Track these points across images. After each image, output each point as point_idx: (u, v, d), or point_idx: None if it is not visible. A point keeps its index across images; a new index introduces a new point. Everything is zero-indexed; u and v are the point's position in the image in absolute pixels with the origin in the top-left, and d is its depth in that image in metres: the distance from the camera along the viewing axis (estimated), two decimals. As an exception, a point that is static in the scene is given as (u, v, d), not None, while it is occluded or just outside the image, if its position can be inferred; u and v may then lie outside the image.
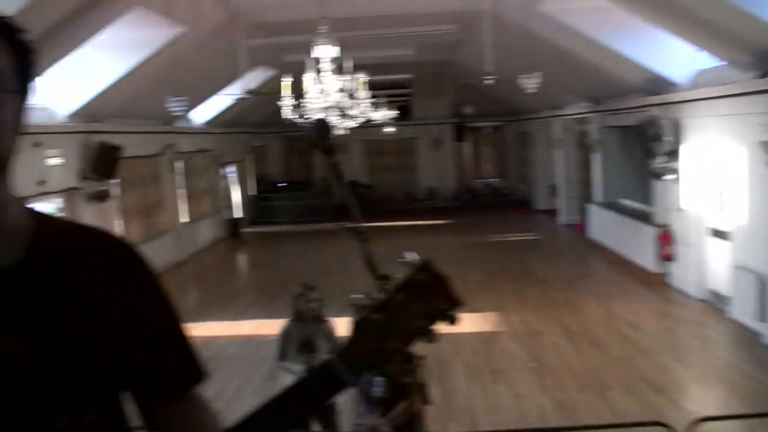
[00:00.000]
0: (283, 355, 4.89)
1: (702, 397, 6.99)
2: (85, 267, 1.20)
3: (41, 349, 1.10)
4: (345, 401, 4.63)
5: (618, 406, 6.47)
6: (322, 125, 1.54)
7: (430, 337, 1.21)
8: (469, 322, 9.48)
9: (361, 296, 1.24)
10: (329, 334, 4.95)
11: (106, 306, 1.19)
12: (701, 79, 9.91)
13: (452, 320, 1.21)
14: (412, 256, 1.24)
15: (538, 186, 21.71)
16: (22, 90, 1.13)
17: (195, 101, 13.69)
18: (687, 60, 9.97)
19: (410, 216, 21.03)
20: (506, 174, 25.24)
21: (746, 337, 8.37)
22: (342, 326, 4.84)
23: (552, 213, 19.30)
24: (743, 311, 8.68)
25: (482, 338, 8.75)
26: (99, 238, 1.27)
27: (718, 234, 9.71)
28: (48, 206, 10.43)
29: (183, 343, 1.32)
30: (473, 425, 6.20)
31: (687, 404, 6.57)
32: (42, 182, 9.47)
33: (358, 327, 1.18)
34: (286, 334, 4.97)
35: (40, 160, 9.56)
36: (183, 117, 13.91)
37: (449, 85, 22.88)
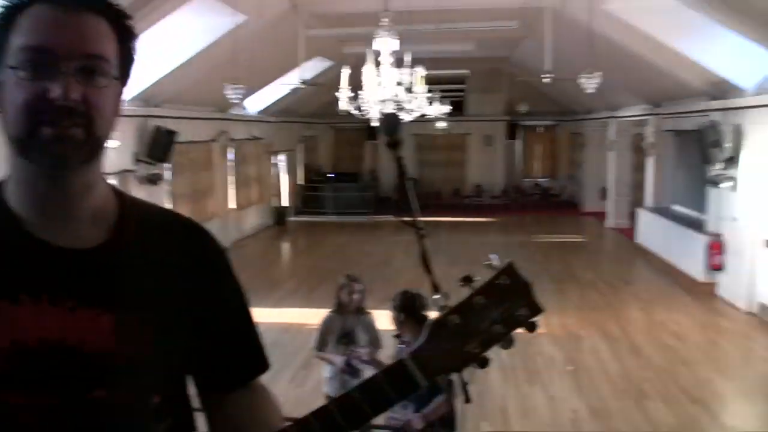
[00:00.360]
0: (321, 345, 4.93)
1: (742, 413, 6.82)
2: (166, 249, 1.24)
3: (124, 327, 1.14)
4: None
5: (654, 416, 6.37)
6: (393, 119, 1.54)
7: (508, 342, 1.20)
8: (508, 322, 9.45)
9: (439, 297, 1.24)
10: (369, 327, 4.97)
11: (183, 288, 1.23)
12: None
13: (532, 327, 1.20)
14: (495, 259, 1.24)
15: (588, 188, 21.39)
16: (123, 76, 1.18)
17: (252, 89, 13.86)
18: (755, 64, 9.63)
19: (456, 212, 20.93)
20: (556, 174, 24.90)
21: (794, 353, 8.15)
22: (382, 319, 4.89)
23: (600, 216, 18.98)
24: (793, 327, 8.44)
25: (520, 339, 8.62)
26: (179, 221, 1.32)
27: (773, 246, 9.44)
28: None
29: (251, 332, 1.35)
30: (505, 425, 6.18)
31: (726, 418, 6.43)
32: (99, 163, 9.73)
33: (435, 328, 1.17)
34: (326, 324, 4.98)
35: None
36: (238, 105, 14.11)
37: (505, 82, 22.65)
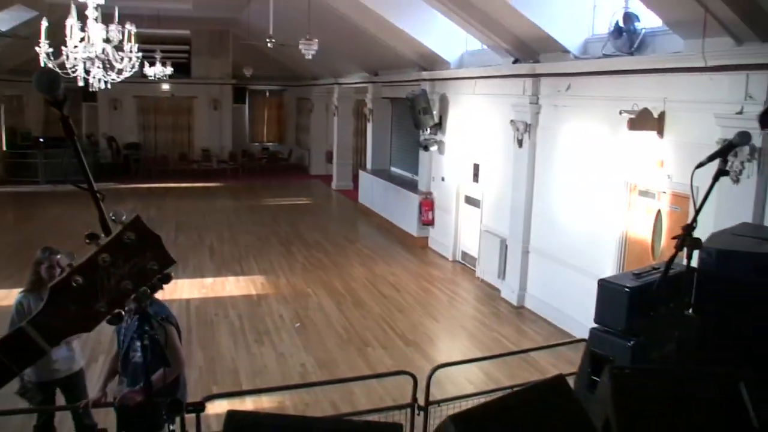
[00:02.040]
0: None
1: (447, 347, 7.68)
2: None
3: None
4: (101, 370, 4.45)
5: (375, 361, 6.91)
6: (50, 76, 1.40)
7: (143, 297, 1.19)
8: (236, 285, 9.51)
9: (63, 255, 1.20)
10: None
11: None
12: (467, 59, 10.72)
13: (166, 279, 1.20)
14: (121, 214, 1.21)
15: (315, 152, 22.09)
16: None
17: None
18: (457, 41, 10.71)
19: (184, 178, 20.37)
20: (284, 139, 25.31)
21: (488, 293, 9.34)
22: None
23: (327, 179, 19.76)
24: (487, 270, 9.68)
25: (249, 301, 8.80)
26: None
27: (471, 202, 10.65)
28: None
29: None
30: (236, 386, 6.24)
31: (435, 355, 7.18)
32: None
33: (54, 291, 1.13)
34: (20, 306, 4.46)
35: None
36: None
37: (231, 46, 22.28)
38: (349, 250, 11.98)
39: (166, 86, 19.95)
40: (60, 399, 4.73)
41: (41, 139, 19.84)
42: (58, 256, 4.43)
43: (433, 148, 11.83)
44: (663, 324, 3.35)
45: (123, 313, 1.20)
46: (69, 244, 4.79)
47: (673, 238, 2.82)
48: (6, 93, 20.06)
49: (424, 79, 11.97)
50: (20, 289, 4.55)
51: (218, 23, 20.20)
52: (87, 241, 1.19)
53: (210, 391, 6.01)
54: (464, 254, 10.94)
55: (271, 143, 25.14)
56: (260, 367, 6.76)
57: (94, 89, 9.24)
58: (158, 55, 16.68)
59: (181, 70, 20.69)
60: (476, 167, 10.39)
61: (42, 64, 8.68)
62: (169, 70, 16.94)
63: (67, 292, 1.13)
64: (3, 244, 12.51)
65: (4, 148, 19.86)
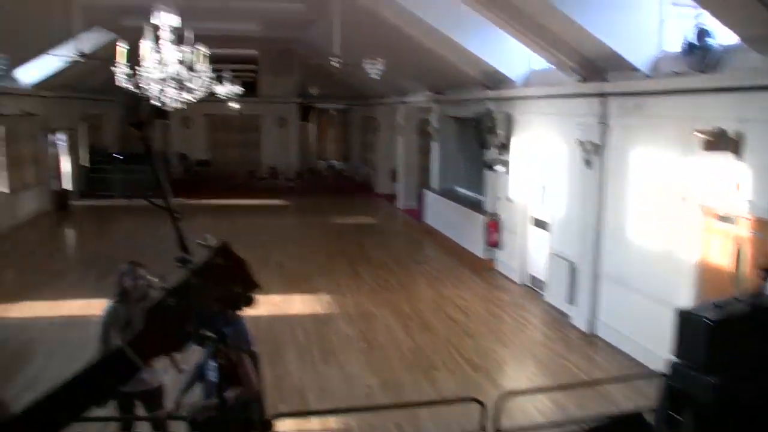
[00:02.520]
0: (107, 338, 4.68)
1: (515, 374, 7.56)
2: None
3: None
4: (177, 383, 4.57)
5: (442, 385, 6.85)
6: (133, 98, 1.48)
7: (228, 320, 1.24)
8: (303, 304, 9.60)
9: (156, 279, 1.24)
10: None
11: None
12: (533, 78, 10.62)
13: (250, 303, 1.23)
14: (210, 239, 1.24)
15: (379, 170, 22.20)
16: None
17: (19, 59, 12.60)
18: (522, 60, 10.63)
19: (251, 194, 20.75)
20: (349, 157, 25.56)
21: (557, 318, 9.15)
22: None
23: (392, 198, 19.81)
24: (556, 295, 9.48)
25: (316, 319, 8.87)
26: None
27: (540, 224, 10.48)
28: None
29: None
30: (303, 406, 6.29)
31: (502, 381, 7.07)
32: None
33: (151, 313, 1.17)
34: (109, 315, 4.76)
35: None
36: (5, 76, 12.73)
37: (297, 65, 22.70)
38: (415, 271, 11.96)
39: (234, 104, 20.43)
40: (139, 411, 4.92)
41: (119, 156, 20.62)
42: (141, 271, 4.76)
43: (499, 168, 11.72)
44: (751, 360, 3.20)
45: (210, 334, 1.23)
46: (144, 256, 5.00)
47: (761, 268, 2.71)
48: (89, 112, 20.97)
49: (489, 98, 11.91)
50: (106, 299, 4.80)
51: (284, 42, 20.60)
52: (178, 264, 1.23)
53: (277, 409, 6.07)
54: (532, 277, 10.74)
55: (336, 161, 25.42)
56: (326, 386, 6.79)
57: (167, 108, 9.52)
58: (228, 75, 17.10)
59: (248, 88, 21.16)
60: (543, 188, 10.23)
61: (119, 85, 9.04)
62: (238, 88, 17.34)
63: (161, 313, 1.18)
64: (84, 254, 13.03)
65: (87, 164, 20.75)
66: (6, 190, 14.77)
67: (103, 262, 11.90)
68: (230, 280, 1.18)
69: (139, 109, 1.43)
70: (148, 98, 8.54)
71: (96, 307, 8.68)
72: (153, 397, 4.85)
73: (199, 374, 4.25)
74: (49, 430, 1.09)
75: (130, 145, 22.64)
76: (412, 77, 15.99)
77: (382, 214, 18.71)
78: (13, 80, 14.39)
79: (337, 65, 11.88)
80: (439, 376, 7.12)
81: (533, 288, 10.58)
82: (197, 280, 1.16)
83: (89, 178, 20.58)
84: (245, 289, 1.20)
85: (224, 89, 17.22)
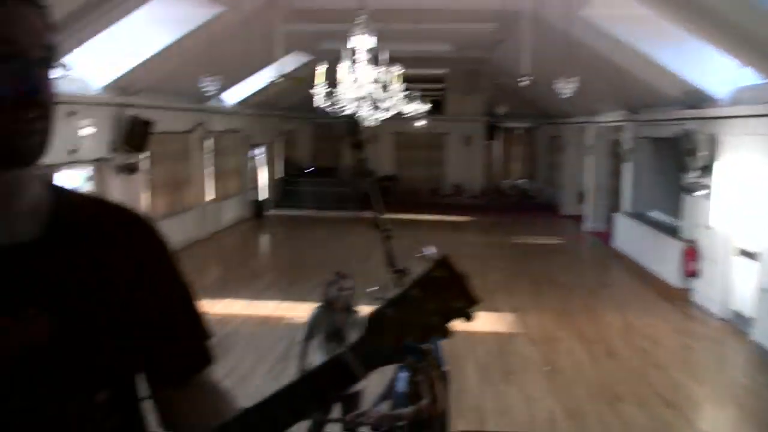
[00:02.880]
0: (309, 337, 4.94)
1: (713, 417, 6.91)
2: (102, 242, 1.18)
3: (58, 325, 1.09)
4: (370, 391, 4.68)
5: (628, 419, 6.42)
6: (353, 122, 1.57)
7: (445, 334, 1.21)
8: (485, 322, 9.47)
9: (376, 288, 1.24)
10: (358, 325, 4.94)
11: (121, 283, 1.17)
12: (741, 96, 9.74)
13: (468, 318, 1.21)
14: (430, 251, 1.24)
15: (565, 191, 21.55)
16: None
17: (228, 82, 13.75)
18: (729, 75, 9.78)
19: (434, 210, 20.98)
20: (535, 176, 25.09)
21: (766, 360, 8.26)
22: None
23: (578, 219, 19.14)
24: (766, 334, 8.56)
25: (497, 339, 8.72)
26: (118, 213, 1.25)
27: (747, 254, 9.56)
28: (78, 174, 10.59)
29: (194, 326, 1.30)
30: (481, 425, 6.19)
31: (698, 422, 6.50)
32: (73, 151, 9.60)
33: (372, 321, 1.18)
34: (315, 318, 5.00)
35: (73, 129, 9.69)
36: (216, 97, 13.99)
37: (484, 83, 22.75)
38: (602, 296, 11.41)
39: (421, 122, 20.87)
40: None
41: (311, 169, 21.86)
42: (346, 280, 4.95)
43: (700, 193, 10.87)
44: None
45: (424, 348, 1.21)
46: (336, 263, 5.21)
47: None
48: (284, 128, 22.53)
49: (689, 118, 11.08)
50: (296, 302, 5.04)
51: (473, 62, 20.71)
52: (395, 275, 1.23)
53: (456, 426, 6.02)
54: (735, 313, 9.79)
55: (521, 180, 25.07)
56: (506, 407, 6.63)
57: (361, 126, 9.89)
58: (418, 93, 17.49)
59: (436, 106, 21.50)
60: (753, 215, 9.33)
61: (316, 104, 9.58)
62: (426, 107, 17.68)
63: (381, 323, 1.18)
64: (277, 259, 13.93)
65: (282, 176, 22.23)
66: (213, 197, 16.15)
67: (293, 267, 12.64)
68: (450, 293, 1.16)
69: (358, 132, 1.49)
70: (362, 120, 9.01)
71: (286, 309, 9.28)
72: (350, 401, 4.98)
73: (393, 385, 4.31)
74: None
75: (320, 159, 24.05)
76: (604, 96, 15.38)
77: (568, 236, 18.10)
78: (220, 100, 15.78)
79: (526, 84, 11.72)
80: (625, 408, 6.68)
81: (737, 324, 9.64)
82: (417, 291, 1.15)
83: (283, 190, 21.97)
84: (465, 304, 1.18)
85: (412, 107, 17.66)
